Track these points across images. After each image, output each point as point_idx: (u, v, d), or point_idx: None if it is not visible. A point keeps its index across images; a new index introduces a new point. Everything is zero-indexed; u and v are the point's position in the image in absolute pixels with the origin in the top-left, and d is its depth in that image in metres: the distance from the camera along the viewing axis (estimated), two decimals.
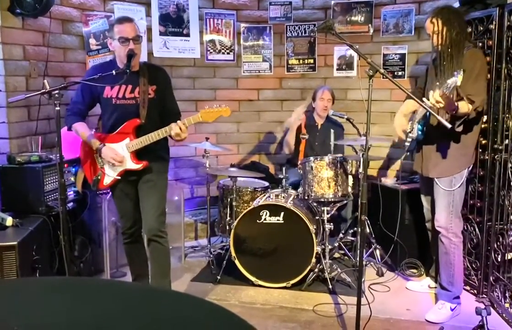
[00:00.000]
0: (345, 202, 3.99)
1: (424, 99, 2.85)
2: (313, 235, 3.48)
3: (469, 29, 3.30)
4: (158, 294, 1.25)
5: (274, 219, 3.58)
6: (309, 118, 4.46)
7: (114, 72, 2.75)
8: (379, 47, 4.65)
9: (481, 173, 3.31)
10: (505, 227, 3.11)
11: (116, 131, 2.96)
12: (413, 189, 3.80)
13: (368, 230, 3.97)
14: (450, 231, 3.10)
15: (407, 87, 4.36)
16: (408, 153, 3.46)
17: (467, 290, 3.45)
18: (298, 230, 3.52)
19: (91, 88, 2.93)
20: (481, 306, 2.56)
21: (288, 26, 4.92)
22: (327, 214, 3.71)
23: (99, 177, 2.99)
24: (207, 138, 4.13)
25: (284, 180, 3.91)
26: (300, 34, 4.91)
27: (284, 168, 4.02)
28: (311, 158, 3.76)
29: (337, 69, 4.87)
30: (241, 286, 3.64)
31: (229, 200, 4.01)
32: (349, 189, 3.73)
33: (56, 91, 2.53)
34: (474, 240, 3.41)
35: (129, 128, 2.94)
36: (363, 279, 3.47)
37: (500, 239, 3.16)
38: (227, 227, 3.94)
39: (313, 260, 3.52)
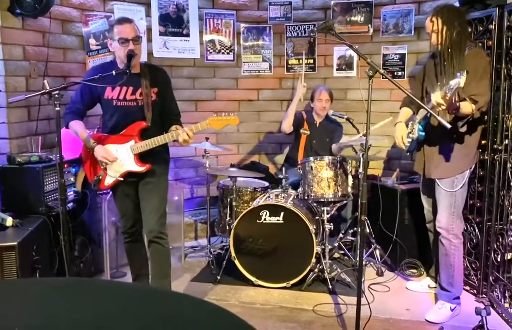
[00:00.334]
0: (345, 202, 4.00)
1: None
2: (313, 235, 3.48)
3: (469, 29, 3.29)
4: (158, 295, 1.25)
5: (274, 219, 3.58)
6: (308, 117, 4.48)
7: (114, 72, 2.75)
8: (378, 47, 4.65)
9: (481, 173, 3.31)
10: (504, 227, 3.11)
11: (120, 133, 2.97)
12: (412, 189, 3.80)
13: (368, 230, 3.97)
14: (451, 232, 3.09)
15: (407, 87, 4.36)
16: (408, 153, 3.45)
17: (466, 290, 3.45)
18: (298, 230, 3.52)
19: (91, 89, 2.93)
20: (481, 306, 2.56)
21: (287, 26, 4.92)
22: (327, 214, 3.71)
23: (100, 177, 2.99)
24: (207, 138, 4.13)
25: (284, 180, 3.91)
26: (299, 34, 4.92)
27: (284, 168, 4.03)
28: (311, 158, 3.77)
29: (336, 70, 4.87)
30: (241, 286, 3.64)
31: (229, 200, 4.01)
32: (349, 189, 3.73)
33: (56, 92, 2.53)
34: (474, 240, 3.41)
35: (134, 130, 2.94)
36: (363, 279, 3.47)
37: (500, 239, 3.16)
38: (227, 227, 3.94)
39: (313, 260, 3.52)
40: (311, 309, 3.30)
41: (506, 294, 3.12)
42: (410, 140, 3.18)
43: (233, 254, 3.64)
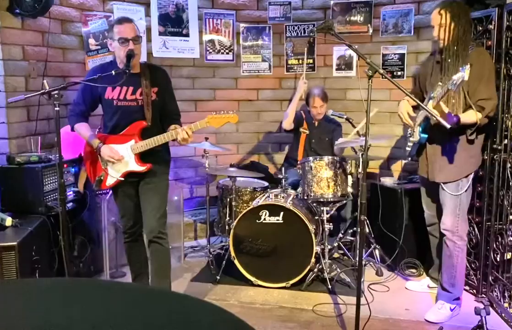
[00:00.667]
0: (344, 201, 4.00)
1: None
2: (313, 235, 3.48)
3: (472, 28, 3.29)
4: (158, 295, 1.25)
5: (273, 219, 3.58)
6: (307, 117, 4.49)
7: (113, 72, 2.75)
8: (378, 47, 4.65)
9: (480, 173, 3.31)
10: (504, 226, 3.11)
11: (121, 133, 2.97)
12: (412, 188, 3.80)
13: (367, 230, 3.97)
14: (455, 234, 3.07)
15: (407, 87, 4.36)
16: (410, 158, 3.39)
17: (466, 290, 3.45)
18: (297, 230, 3.52)
19: (91, 89, 2.93)
20: (480, 306, 2.56)
21: (287, 26, 4.92)
22: (327, 213, 3.71)
23: (101, 178, 2.99)
24: (206, 138, 4.13)
25: (283, 180, 3.91)
26: (299, 34, 4.92)
27: (283, 168, 4.03)
28: (310, 158, 3.77)
29: (336, 69, 4.87)
30: (241, 286, 3.64)
31: (228, 200, 4.01)
32: (349, 189, 3.73)
33: (56, 92, 2.54)
34: (473, 240, 3.41)
35: (134, 130, 2.94)
36: (362, 279, 3.47)
37: (499, 238, 3.16)
38: (227, 227, 3.94)
39: (313, 260, 3.53)
40: (311, 309, 3.30)
41: (506, 294, 3.12)
42: (411, 144, 3.17)
43: (232, 254, 3.64)
